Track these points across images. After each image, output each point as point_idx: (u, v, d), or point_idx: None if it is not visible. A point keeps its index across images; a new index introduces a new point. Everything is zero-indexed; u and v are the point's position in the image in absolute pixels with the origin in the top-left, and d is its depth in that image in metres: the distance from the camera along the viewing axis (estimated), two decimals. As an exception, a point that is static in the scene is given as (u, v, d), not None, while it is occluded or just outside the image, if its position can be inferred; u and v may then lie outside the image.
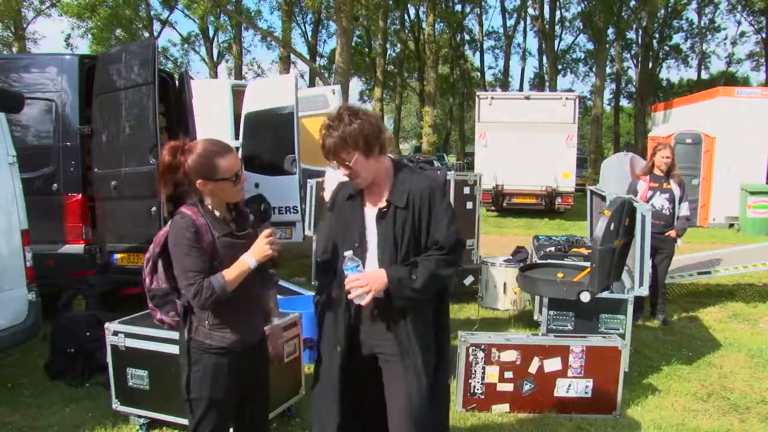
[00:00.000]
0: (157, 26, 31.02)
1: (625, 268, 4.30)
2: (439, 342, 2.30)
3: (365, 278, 2.10)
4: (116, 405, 3.43)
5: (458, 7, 31.48)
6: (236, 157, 2.20)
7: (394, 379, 2.21)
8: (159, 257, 2.28)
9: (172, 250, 2.15)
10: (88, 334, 4.14)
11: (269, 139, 7.64)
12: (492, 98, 13.88)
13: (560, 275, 4.24)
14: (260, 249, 2.13)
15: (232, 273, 2.12)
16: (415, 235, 2.16)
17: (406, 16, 31.98)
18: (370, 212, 2.23)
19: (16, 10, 25.78)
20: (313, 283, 5.96)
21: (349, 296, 2.12)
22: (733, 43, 34.57)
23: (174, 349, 3.12)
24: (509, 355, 3.62)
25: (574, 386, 3.63)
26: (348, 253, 2.14)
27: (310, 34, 32.51)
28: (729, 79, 31.68)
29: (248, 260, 2.13)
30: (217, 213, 2.20)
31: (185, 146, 2.14)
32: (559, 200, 13.62)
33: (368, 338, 2.25)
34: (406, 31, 32.89)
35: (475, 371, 3.63)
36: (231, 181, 2.15)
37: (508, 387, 3.64)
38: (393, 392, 2.21)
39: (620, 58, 33.34)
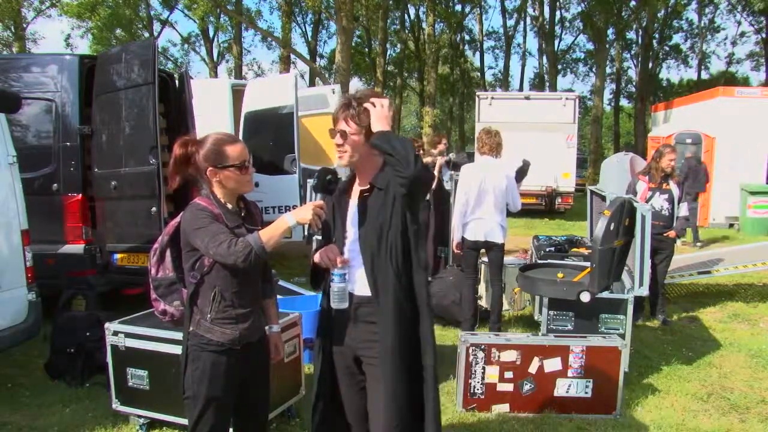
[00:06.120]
0: (157, 26, 31.03)
1: (625, 268, 4.30)
2: (422, 340, 2.20)
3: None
4: (116, 405, 3.43)
5: (458, 7, 31.44)
6: (244, 147, 2.24)
7: (374, 381, 2.18)
8: (168, 246, 2.29)
9: (192, 231, 2.13)
10: (88, 334, 4.14)
11: (269, 138, 7.63)
12: (492, 98, 13.86)
13: (560, 275, 4.24)
14: (304, 211, 2.09)
15: (269, 231, 2.10)
16: (392, 212, 2.12)
17: (406, 16, 31.94)
18: (354, 203, 2.24)
19: (16, 10, 25.77)
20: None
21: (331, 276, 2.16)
22: (733, 43, 34.56)
23: (173, 349, 3.12)
24: (509, 355, 3.62)
25: (574, 386, 3.63)
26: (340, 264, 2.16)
27: (310, 34, 32.52)
28: (729, 79, 31.63)
29: (288, 218, 2.10)
30: (229, 206, 2.24)
31: (195, 139, 2.23)
32: (559, 200, 13.61)
33: (351, 341, 2.23)
34: (406, 31, 32.84)
35: (475, 371, 3.63)
36: (239, 168, 2.19)
37: (508, 387, 3.64)
38: (373, 394, 2.19)
39: (620, 58, 33.32)
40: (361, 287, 2.18)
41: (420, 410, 2.16)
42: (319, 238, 2.29)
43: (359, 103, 2.13)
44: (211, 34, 31.53)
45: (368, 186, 2.19)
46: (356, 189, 2.27)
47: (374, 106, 2.11)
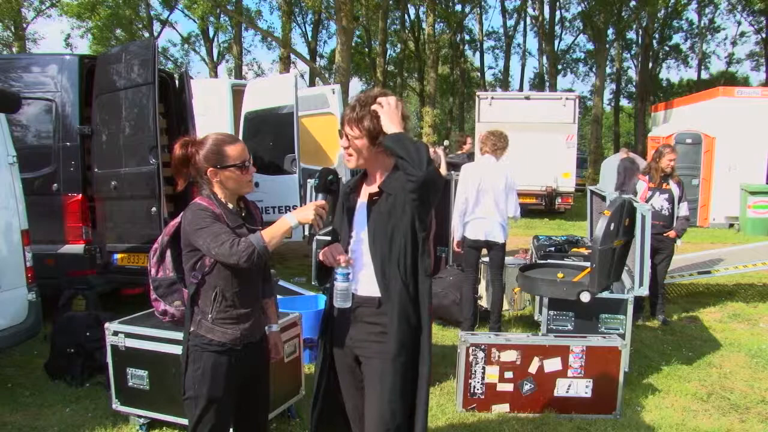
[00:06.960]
0: (157, 26, 30.99)
1: (625, 268, 4.30)
2: (422, 348, 2.20)
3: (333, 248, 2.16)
4: (116, 405, 3.43)
5: (458, 7, 31.44)
6: (244, 147, 2.24)
7: (370, 382, 2.18)
8: (168, 246, 2.29)
9: (194, 231, 2.12)
10: (88, 334, 4.14)
11: (269, 138, 7.63)
12: (492, 98, 13.84)
13: (560, 275, 4.24)
14: (306, 211, 2.08)
15: (270, 231, 2.09)
16: (402, 217, 2.11)
17: (406, 16, 31.93)
18: (362, 204, 2.23)
19: (16, 10, 25.77)
20: (313, 283, 5.95)
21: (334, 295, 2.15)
22: (733, 43, 34.59)
23: (173, 349, 3.12)
24: (509, 355, 3.62)
25: (574, 386, 3.63)
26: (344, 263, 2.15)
27: (310, 34, 32.50)
28: (729, 79, 31.65)
29: (290, 219, 2.09)
30: (230, 206, 2.24)
31: (195, 139, 2.23)
32: (559, 200, 13.61)
33: (351, 341, 2.23)
34: (406, 31, 32.85)
35: (475, 371, 3.63)
36: (239, 169, 2.19)
37: (508, 387, 3.64)
38: (369, 395, 2.19)
39: (620, 58, 33.35)
40: (364, 288, 2.18)
41: (411, 415, 2.16)
42: (321, 238, 2.29)
43: (362, 107, 2.12)
44: (211, 34, 31.52)
45: (377, 190, 2.18)
46: (365, 189, 2.26)
47: (381, 106, 2.10)
